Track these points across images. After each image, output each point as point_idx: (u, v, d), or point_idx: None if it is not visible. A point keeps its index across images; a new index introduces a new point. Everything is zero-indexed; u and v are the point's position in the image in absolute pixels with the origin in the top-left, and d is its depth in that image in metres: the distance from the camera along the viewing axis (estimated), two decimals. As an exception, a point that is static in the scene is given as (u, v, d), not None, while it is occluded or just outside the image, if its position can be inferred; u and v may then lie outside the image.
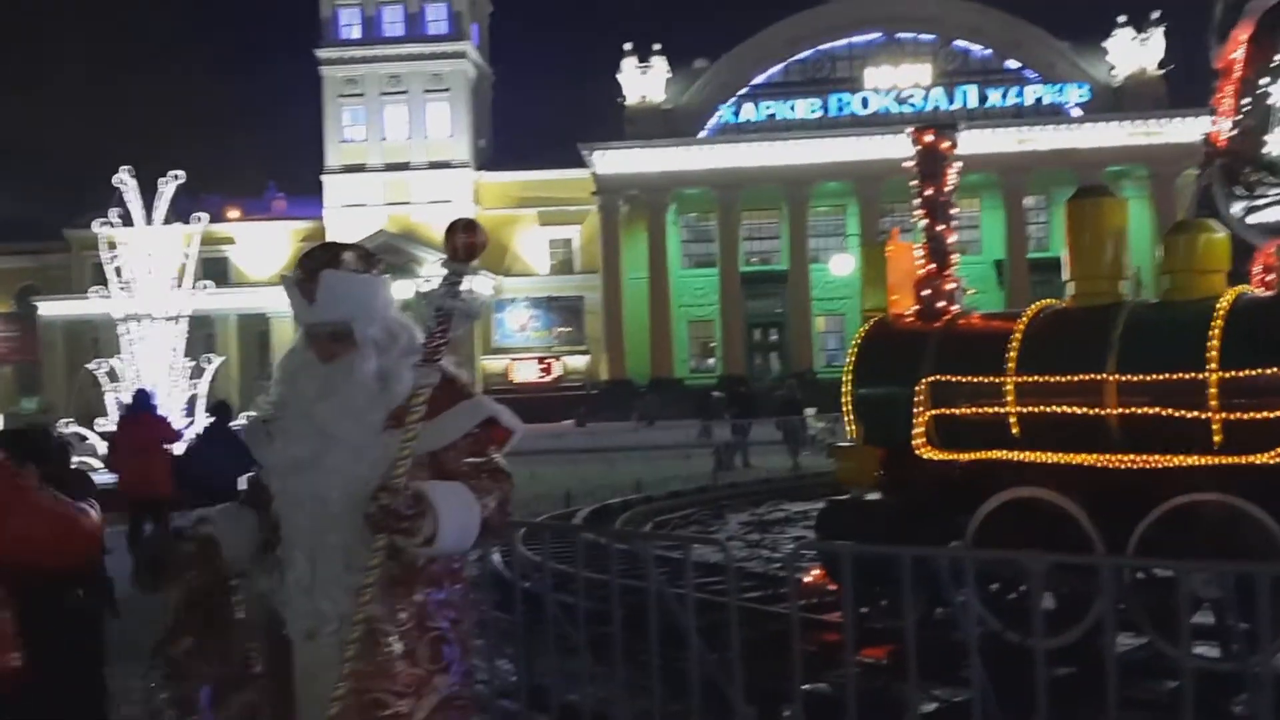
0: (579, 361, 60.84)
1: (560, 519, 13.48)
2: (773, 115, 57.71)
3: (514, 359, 60.32)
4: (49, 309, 58.77)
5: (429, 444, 2.82)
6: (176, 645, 2.93)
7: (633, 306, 56.87)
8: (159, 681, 2.96)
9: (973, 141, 54.43)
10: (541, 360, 60.33)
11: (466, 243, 2.86)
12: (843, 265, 40.44)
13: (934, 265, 7.58)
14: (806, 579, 8.13)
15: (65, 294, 56.45)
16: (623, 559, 5.56)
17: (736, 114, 58.36)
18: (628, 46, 58.03)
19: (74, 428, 23.17)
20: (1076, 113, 56.79)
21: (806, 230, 56.79)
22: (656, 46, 58.07)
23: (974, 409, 7.00)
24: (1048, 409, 6.70)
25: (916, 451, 7.15)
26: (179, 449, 13.58)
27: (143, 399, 14.34)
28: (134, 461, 12.58)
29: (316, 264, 2.93)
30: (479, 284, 59.32)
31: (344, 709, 2.71)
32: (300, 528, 2.85)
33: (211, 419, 13.77)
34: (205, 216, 23.87)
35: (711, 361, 58.63)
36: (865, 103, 57.11)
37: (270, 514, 2.98)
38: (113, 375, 21.89)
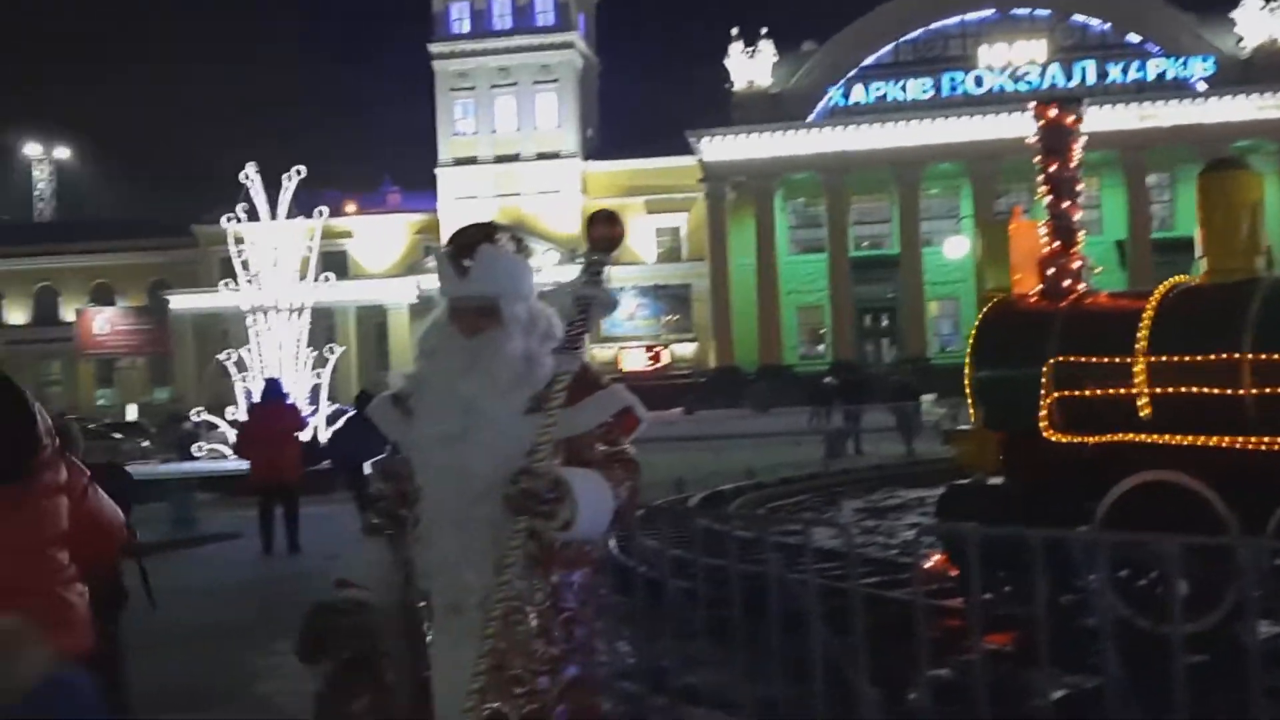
0: (687, 349, 60.89)
1: (673, 506, 13.52)
2: (883, 97, 56.88)
3: (622, 348, 60.62)
4: (179, 303, 60.96)
5: (565, 430, 2.84)
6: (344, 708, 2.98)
7: (740, 293, 56.65)
8: None
9: (1092, 119, 52.54)
10: (649, 349, 60.54)
11: (607, 234, 2.88)
12: (957, 248, 39.67)
13: (1059, 243, 7.41)
14: (926, 564, 8.04)
15: (194, 288, 58.52)
16: (738, 544, 5.56)
17: (846, 97, 57.65)
18: (734, 31, 57.75)
19: (205, 416, 24.04)
20: (1201, 86, 54.70)
21: (918, 213, 55.86)
22: (763, 30, 57.68)
23: (1102, 390, 6.83)
24: (1180, 390, 6.51)
25: (1041, 434, 7.00)
26: (307, 436, 14.03)
27: (273, 388, 14.81)
28: (264, 449, 13.01)
29: (472, 239, 2.97)
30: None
31: (486, 683, 2.77)
32: (446, 502, 2.88)
33: (354, 407, 14.27)
34: (325, 210, 24.48)
35: (821, 348, 58.14)
36: (979, 81, 55.92)
37: (409, 491, 3.03)
38: (240, 366, 22.61)
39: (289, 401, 15.74)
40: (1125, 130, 51.00)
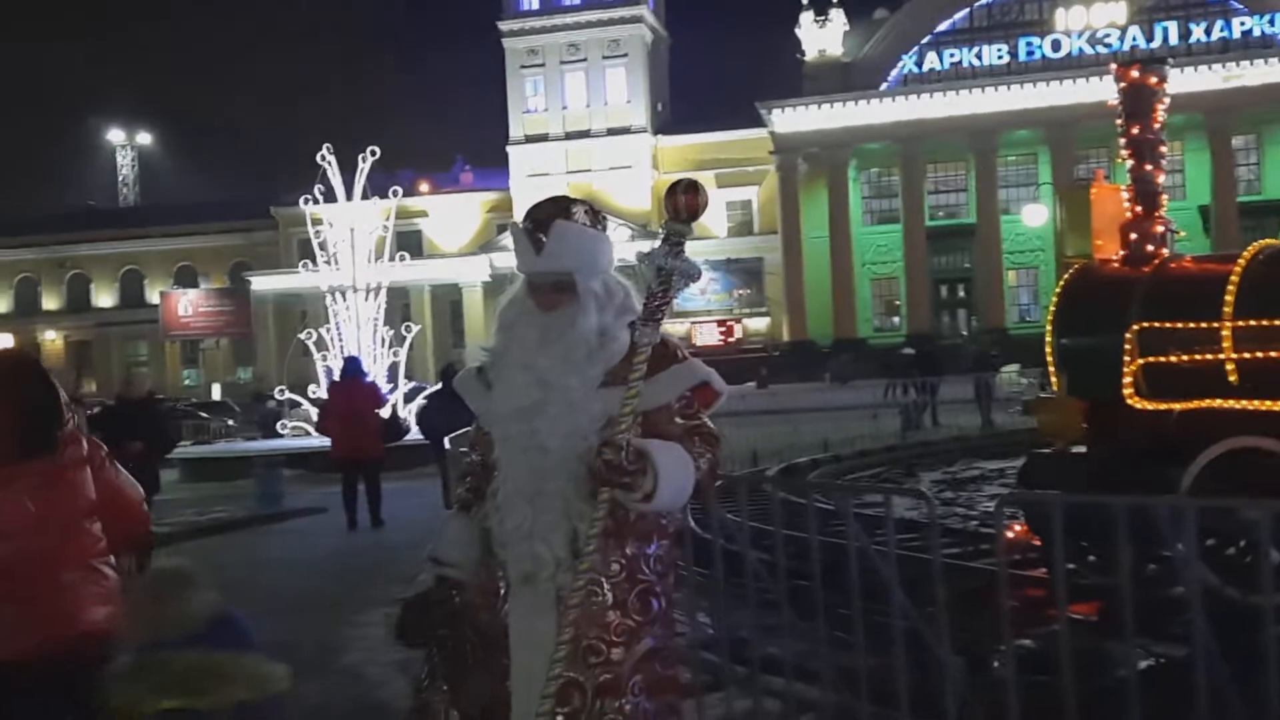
0: (760, 323, 60.64)
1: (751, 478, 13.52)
2: (958, 63, 55.95)
3: (694, 322, 60.53)
4: (260, 284, 62.13)
5: (644, 404, 2.86)
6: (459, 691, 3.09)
7: (813, 266, 56.23)
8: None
9: (1175, 81, 51.32)
10: (722, 323, 60.38)
11: (689, 203, 2.86)
12: (1036, 216, 38.87)
13: (1142, 207, 7.26)
14: (1009, 534, 7.97)
15: (274, 269, 59.62)
16: (817, 515, 5.55)
17: (919, 64, 56.80)
18: (805, 1, 57.10)
19: (288, 395, 24.50)
20: (1291, 44, 52.98)
21: (996, 181, 54.93)
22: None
23: (1188, 356, 6.70)
24: (1269, 354, 6.36)
25: (1125, 402, 6.88)
26: (386, 413, 14.26)
27: (353, 366, 15.04)
28: (345, 426, 13.23)
29: (547, 214, 2.98)
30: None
31: (567, 653, 2.81)
32: (521, 475, 2.92)
33: (440, 381, 14.56)
34: (399, 191, 24.75)
35: (896, 320, 57.53)
36: (1056, 45, 54.71)
37: (490, 463, 3.09)
38: (320, 345, 23.00)
39: (368, 379, 15.99)
40: (1209, 91, 49.57)
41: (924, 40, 57.21)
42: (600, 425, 2.83)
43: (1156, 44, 52.59)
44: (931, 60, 56.43)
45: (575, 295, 2.94)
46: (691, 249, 2.93)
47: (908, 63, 56.99)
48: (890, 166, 57.08)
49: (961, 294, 58.42)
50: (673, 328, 63.57)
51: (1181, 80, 48.96)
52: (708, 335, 60.08)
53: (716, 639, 5.83)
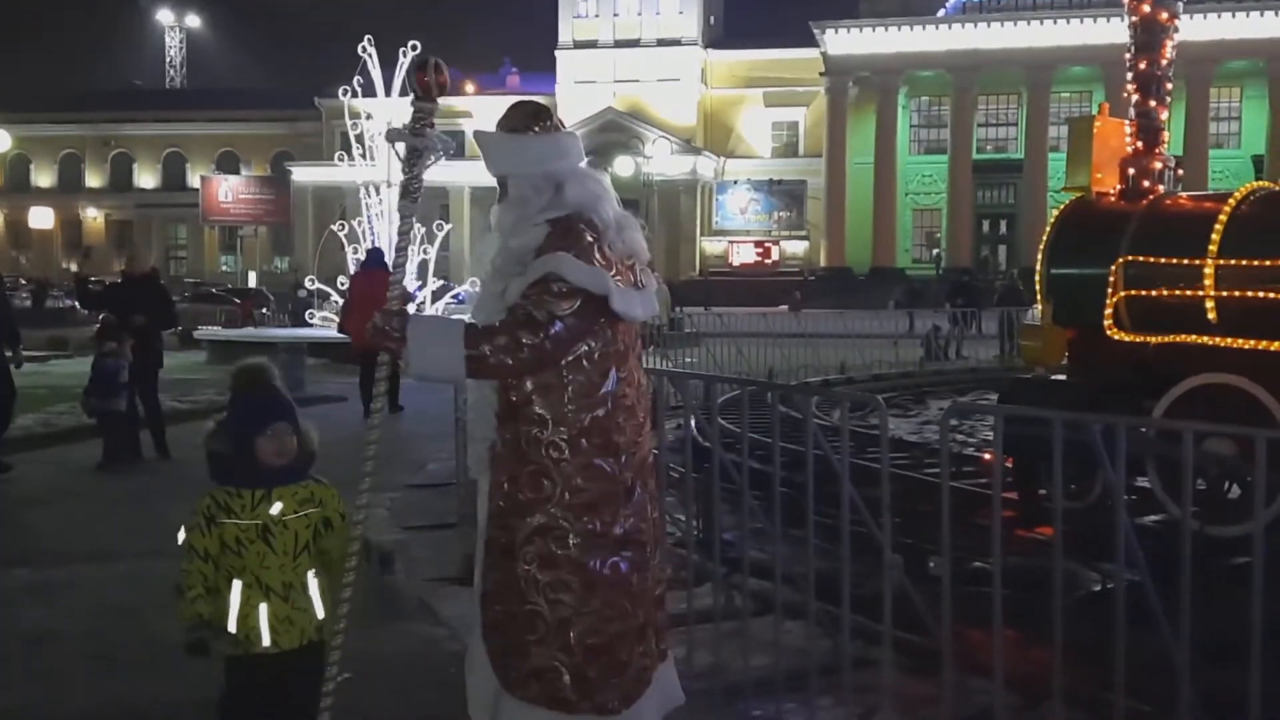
0: (798, 247, 60.39)
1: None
2: (1019, -7, 54.73)
3: (732, 241, 60.38)
4: (301, 174, 62.47)
5: (521, 284, 3.00)
6: None
7: (856, 193, 55.78)
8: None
9: (1237, 25, 50.22)
10: (760, 244, 60.18)
11: (438, 80, 3.07)
12: (1081, 155, 38.29)
13: (1143, 143, 7.32)
14: (986, 457, 8.19)
15: (316, 160, 59.84)
16: (783, 421, 5.60)
17: (979, -8, 55.62)
18: (867, -80, 55.89)
19: (318, 285, 24.87)
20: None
21: (1047, 117, 53.99)
22: (898, -80, 55.71)
23: (1170, 291, 6.82)
24: (1247, 294, 6.47)
25: (1105, 333, 7.03)
26: (412, 308, 14.54)
27: (374, 257, 15.28)
28: (363, 314, 13.50)
29: (511, 123, 3.23)
30: (701, 163, 59.35)
31: (489, 511, 3.19)
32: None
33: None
34: (440, 88, 24.71)
35: (936, 252, 57.13)
36: (1121, -19, 53.30)
37: None
38: (351, 238, 23.26)
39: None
40: (1273, 38, 48.27)
41: (987, -33, 55.94)
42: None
43: (1225, -15, 51.13)
44: (993, -12, 55.24)
45: (506, 194, 3.20)
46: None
47: (968, -11, 55.83)
48: (941, 95, 56.21)
49: (1004, 230, 57.84)
50: (710, 246, 62.83)
51: (1245, 26, 47.81)
52: (744, 255, 59.96)
53: (704, 540, 6.08)
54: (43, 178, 72.99)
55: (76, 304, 23.73)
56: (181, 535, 3.24)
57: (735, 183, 60.06)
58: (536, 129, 3.20)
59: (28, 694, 4.49)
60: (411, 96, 3.13)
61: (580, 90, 60.49)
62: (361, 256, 22.19)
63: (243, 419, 3.29)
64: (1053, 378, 7.43)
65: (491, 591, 3.13)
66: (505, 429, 3.13)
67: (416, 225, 22.91)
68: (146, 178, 71.72)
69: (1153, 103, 7.30)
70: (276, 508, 3.23)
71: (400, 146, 3.12)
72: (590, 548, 3.06)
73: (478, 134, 3.20)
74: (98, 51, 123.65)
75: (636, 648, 3.15)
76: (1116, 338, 6.99)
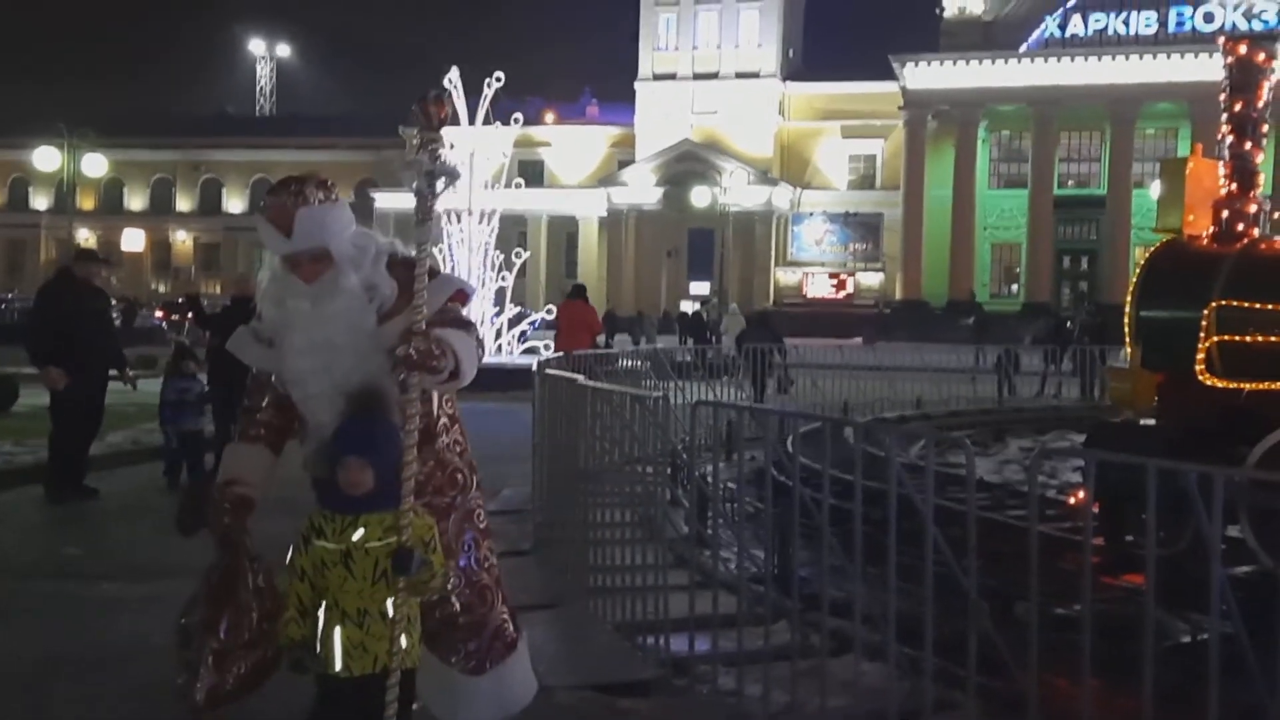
0: (873, 279, 60.02)
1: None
2: (1103, 30, 54.05)
3: (808, 273, 60.18)
4: (384, 201, 63.46)
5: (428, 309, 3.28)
6: (189, 616, 3.61)
7: (934, 226, 55.33)
8: (174, 647, 3.64)
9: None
10: (835, 275, 59.90)
11: (439, 114, 3.27)
12: (1166, 192, 37.64)
13: (1237, 185, 7.19)
14: (1070, 501, 8.04)
15: (398, 188, 60.76)
16: (863, 457, 5.57)
17: (1062, 28, 55.03)
18: (949, -46, 55.71)
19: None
20: None
21: (1130, 153, 53.16)
22: (980, -46, 55.47)
23: (1265, 338, 6.66)
24: (1347, 342, 6.31)
25: (1197, 378, 6.89)
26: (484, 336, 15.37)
27: (579, 289, 18.49)
28: (573, 338, 16.14)
29: (287, 205, 3.34)
30: (777, 194, 59.31)
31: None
32: (325, 421, 3.36)
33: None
34: (520, 118, 25.08)
35: (1015, 287, 56.38)
36: (1209, 18, 52.44)
37: (283, 404, 3.53)
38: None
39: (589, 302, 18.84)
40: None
41: (1069, 3, 55.35)
42: (400, 334, 3.24)
43: (1318, 21, 50.09)
44: (1075, 24, 54.60)
45: (333, 263, 3.34)
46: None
47: (1050, 25, 55.24)
48: (1021, 130, 55.64)
49: (1084, 266, 56.94)
50: (785, 277, 62.81)
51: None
52: (819, 286, 59.73)
53: (776, 575, 6.04)
54: (135, 200, 75.17)
55: (185, 324, 24.29)
56: (290, 554, 3.34)
57: (811, 214, 59.94)
58: (335, 197, 3.44)
59: (123, 710, 4.59)
60: (416, 129, 3.34)
61: (658, 121, 60.89)
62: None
63: (333, 445, 3.38)
64: (1141, 422, 7.29)
65: None
66: (424, 452, 3.41)
67: (493, 252, 23.30)
68: (235, 202, 73.51)
69: (1248, 144, 7.18)
70: (359, 533, 3.29)
71: (421, 175, 3.29)
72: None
73: (303, 212, 3.32)
74: (191, 79, 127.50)
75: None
76: (1209, 383, 6.85)
